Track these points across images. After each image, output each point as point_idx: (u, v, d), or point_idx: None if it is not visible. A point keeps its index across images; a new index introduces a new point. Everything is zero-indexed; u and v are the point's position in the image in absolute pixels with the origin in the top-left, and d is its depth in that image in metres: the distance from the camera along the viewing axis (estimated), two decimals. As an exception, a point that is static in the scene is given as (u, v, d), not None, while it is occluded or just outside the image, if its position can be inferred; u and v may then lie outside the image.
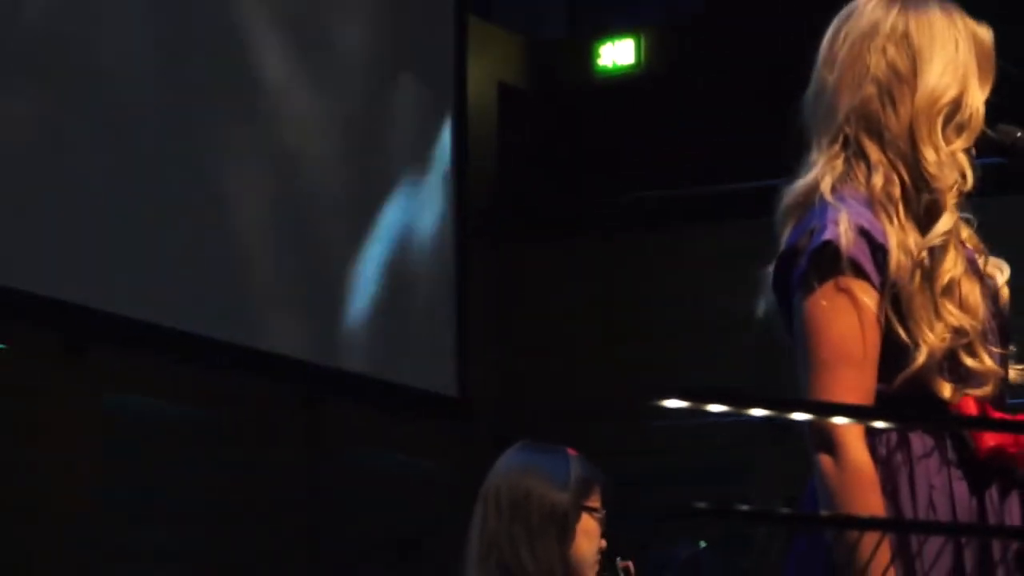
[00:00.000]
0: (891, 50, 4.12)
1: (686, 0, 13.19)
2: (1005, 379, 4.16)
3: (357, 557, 9.31)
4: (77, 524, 9.95)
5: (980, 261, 4.16)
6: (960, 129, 4.06)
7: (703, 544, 7.54)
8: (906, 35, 4.14)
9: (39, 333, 9.86)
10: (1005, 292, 4.22)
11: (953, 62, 4.12)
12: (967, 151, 4.10)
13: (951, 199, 4.03)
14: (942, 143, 4.05)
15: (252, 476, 10.88)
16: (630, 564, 5.58)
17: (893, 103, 4.10)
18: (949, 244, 4.02)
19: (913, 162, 4.05)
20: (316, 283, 11.20)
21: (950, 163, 4.04)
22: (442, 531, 8.56)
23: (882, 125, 4.10)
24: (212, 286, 10.63)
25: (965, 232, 4.17)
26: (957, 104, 4.07)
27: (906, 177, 4.04)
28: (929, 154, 4.05)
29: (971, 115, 4.08)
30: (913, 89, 4.11)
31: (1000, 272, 4.24)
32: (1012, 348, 4.20)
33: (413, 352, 11.62)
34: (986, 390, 4.02)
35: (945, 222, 4.01)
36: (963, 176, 4.04)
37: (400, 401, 11.50)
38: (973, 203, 4.20)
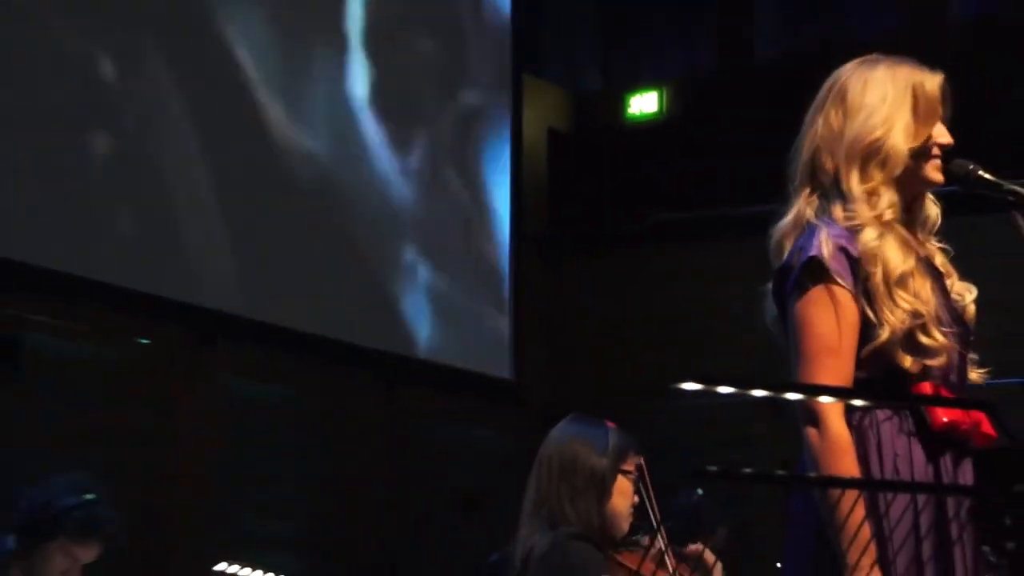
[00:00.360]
0: (831, 112, 4.27)
1: (700, 60, 13.03)
2: (966, 374, 4.29)
3: (431, 511, 9.34)
4: (205, 486, 10.01)
5: (949, 282, 4.30)
6: (883, 165, 4.19)
7: (700, 492, 7.51)
8: (843, 95, 4.29)
9: (175, 330, 9.85)
10: (972, 309, 4.35)
11: (877, 112, 4.22)
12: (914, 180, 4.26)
13: (884, 218, 4.18)
14: (856, 182, 4.19)
15: (344, 447, 10.90)
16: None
17: (831, 154, 4.24)
18: (880, 250, 4.13)
19: (845, 198, 4.19)
20: (404, 290, 11.09)
21: (866, 196, 4.19)
22: (499, 489, 8.58)
23: (824, 172, 4.25)
24: (316, 291, 10.58)
25: (939, 258, 4.31)
26: (877, 146, 4.19)
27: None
28: (849, 192, 4.21)
29: (890, 153, 4.18)
30: (841, 140, 4.23)
31: (968, 292, 4.37)
32: (975, 356, 4.34)
33: (477, 344, 11.57)
34: (939, 361, 4.14)
35: (868, 235, 4.14)
36: (889, 202, 4.19)
37: (465, 383, 11.47)
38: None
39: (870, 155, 4.18)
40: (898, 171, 4.18)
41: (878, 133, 4.18)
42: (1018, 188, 4.13)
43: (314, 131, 10.72)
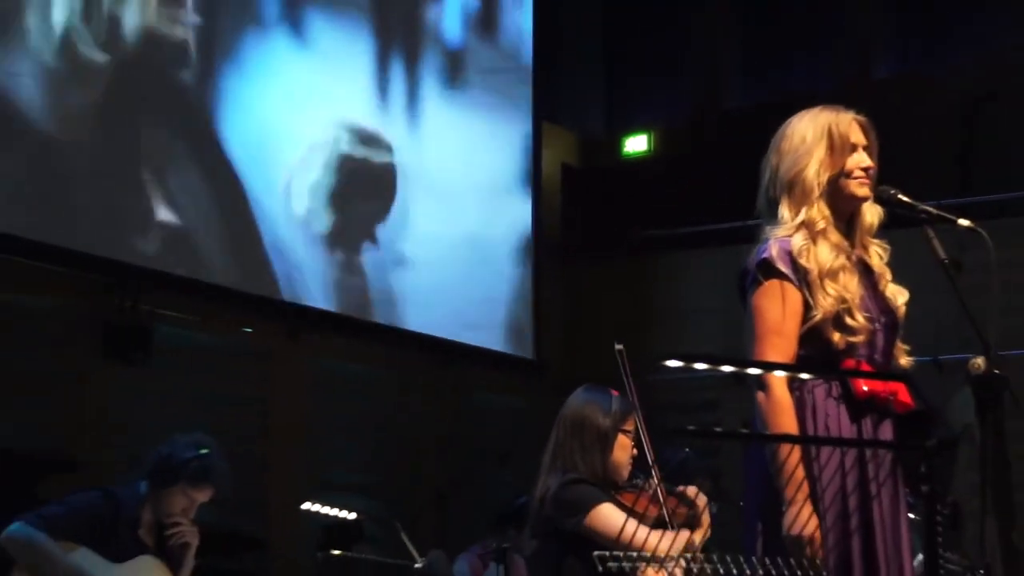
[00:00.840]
0: (772, 157, 4.34)
1: (681, 110, 13.00)
2: (891, 356, 4.32)
3: (473, 463, 9.37)
4: (294, 443, 10.04)
5: (882, 283, 4.33)
6: (803, 191, 4.24)
7: (688, 450, 7.47)
8: (779, 143, 4.37)
9: (270, 321, 9.87)
10: (903, 309, 4.37)
11: (798, 152, 4.27)
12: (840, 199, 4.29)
13: (816, 228, 4.23)
14: (785, 207, 4.27)
15: (404, 412, 10.94)
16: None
17: (773, 188, 4.32)
18: (810, 251, 4.20)
19: (782, 219, 4.27)
20: (451, 289, 11.05)
21: (793, 216, 4.25)
22: (525, 445, 8.58)
23: (771, 202, 4.33)
24: (381, 288, 10.52)
25: (877, 260, 4.35)
26: (799, 179, 4.24)
27: None
28: (781, 215, 4.28)
29: (805, 182, 4.24)
30: (777, 177, 4.32)
31: (901, 295, 4.39)
32: (905, 346, 4.39)
33: (508, 331, 11.54)
34: (861, 339, 4.19)
35: (796, 241, 4.22)
36: (811, 223, 4.24)
37: (498, 362, 11.47)
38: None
39: (793, 185, 4.26)
40: (816, 194, 4.24)
41: (797, 168, 4.26)
42: (929, 208, 4.15)
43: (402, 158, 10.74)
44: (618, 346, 5.50)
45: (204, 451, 6.13)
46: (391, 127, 10.80)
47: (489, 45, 11.82)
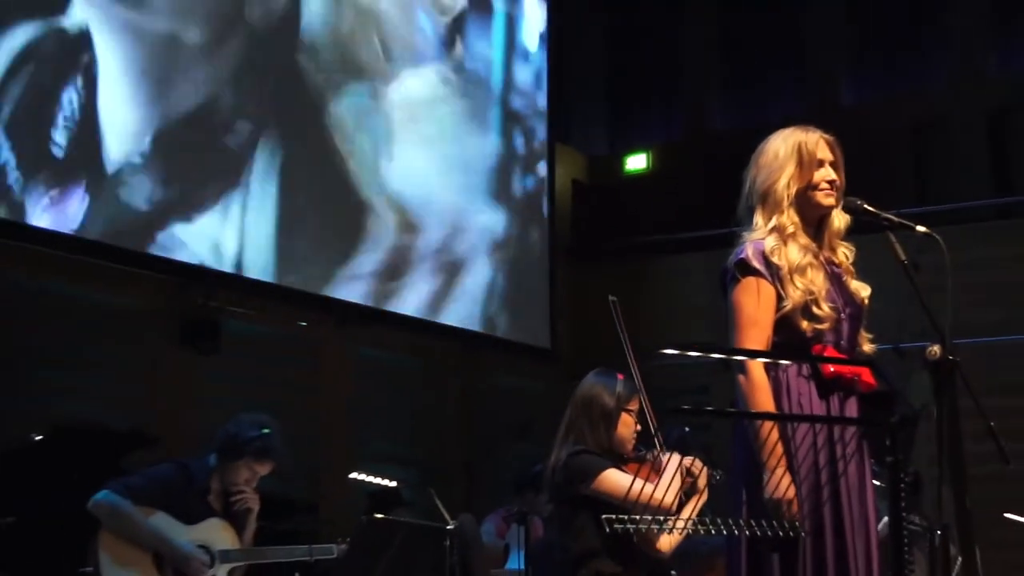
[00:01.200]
0: (751, 171, 4.32)
1: (674, 133, 13.02)
2: (855, 342, 4.30)
3: (496, 436, 9.36)
4: (342, 421, 10.03)
5: (848, 279, 4.31)
6: (775, 201, 4.22)
7: (687, 429, 7.40)
8: (756, 159, 4.34)
9: (322, 315, 9.85)
10: (866, 301, 4.36)
11: (772, 167, 4.26)
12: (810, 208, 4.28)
13: (786, 232, 4.23)
14: (759, 214, 4.25)
15: (437, 393, 10.95)
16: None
17: (751, 197, 4.30)
18: (780, 250, 4.20)
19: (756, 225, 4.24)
20: (480, 287, 11.07)
21: (765, 222, 4.24)
22: (541, 422, 8.55)
23: (749, 211, 4.31)
24: (415, 287, 10.50)
25: (841, 257, 4.32)
26: (772, 190, 4.22)
27: None
28: (756, 222, 4.26)
29: (776, 193, 4.23)
30: (754, 188, 4.30)
31: (863, 289, 4.37)
32: (868, 334, 4.37)
33: (527, 324, 11.51)
34: (827, 326, 4.17)
35: (768, 243, 4.21)
36: (782, 228, 4.23)
37: (519, 350, 11.42)
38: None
39: (767, 195, 4.25)
40: (786, 203, 4.23)
41: (770, 181, 4.25)
42: (891, 216, 4.12)
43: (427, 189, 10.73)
44: (612, 298, 5.48)
45: (266, 431, 6.12)
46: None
47: (516, 87, 11.88)
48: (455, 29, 11.22)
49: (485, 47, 11.58)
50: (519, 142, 11.77)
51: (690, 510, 5.09)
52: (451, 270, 10.80)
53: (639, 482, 4.32)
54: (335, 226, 9.91)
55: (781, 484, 3.95)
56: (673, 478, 4.95)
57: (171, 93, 8.65)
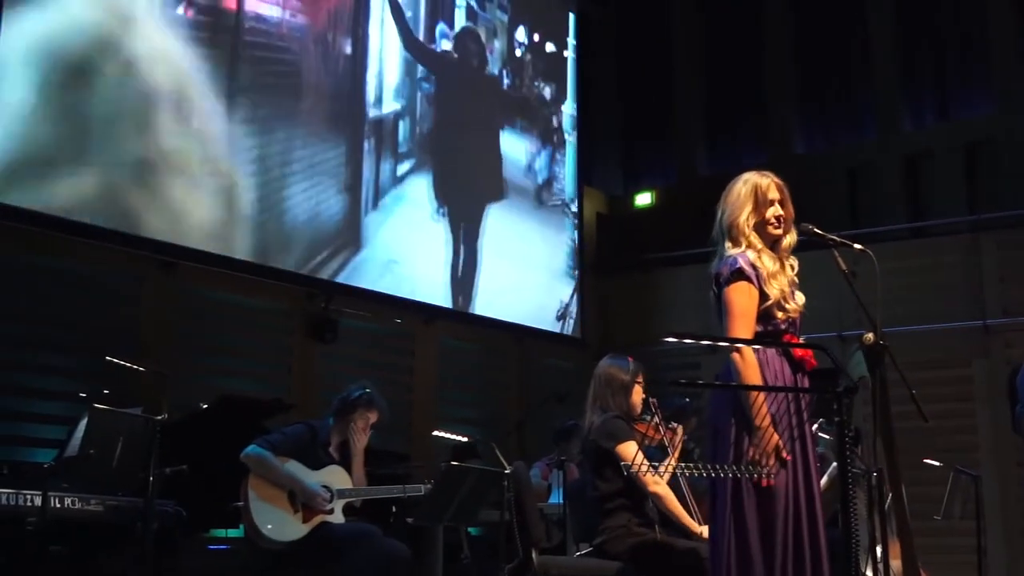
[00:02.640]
0: (721, 206, 4.24)
1: (671, 178, 12.96)
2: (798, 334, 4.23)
3: (540, 401, 9.27)
4: (429, 393, 9.96)
5: (792, 288, 4.24)
6: (740, 234, 4.15)
7: (687, 400, 7.33)
8: (726, 197, 4.27)
9: (413, 314, 9.79)
10: (800, 309, 4.24)
11: (733, 204, 4.19)
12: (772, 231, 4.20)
13: (755, 248, 4.15)
14: (729, 242, 4.16)
15: (496, 373, 10.87)
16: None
17: (719, 227, 4.23)
18: (760, 261, 4.11)
19: (731, 244, 4.16)
20: (532, 292, 10.96)
21: (737, 250, 4.14)
22: (573, 391, 8.46)
23: (721, 235, 4.21)
24: (486, 293, 10.37)
25: (789, 271, 4.26)
26: (734, 224, 4.15)
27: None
28: (728, 247, 4.16)
29: (740, 227, 4.16)
30: (723, 220, 4.22)
31: (801, 298, 4.25)
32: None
33: (563, 320, 11.46)
34: (792, 318, 4.13)
35: (749, 255, 4.12)
36: (747, 248, 4.15)
37: (557, 339, 11.33)
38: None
39: (731, 228, 4.19)
40: (746, 234, 4.17)
41: (734, 216, 4.19)
42: (834, 237, 4.08)
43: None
44: (652, 399, 5.38)
45: (367, 389, 6.13)
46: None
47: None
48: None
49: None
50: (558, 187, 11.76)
51: (671, 460, 5.15)
52: (509, 280, 10.77)
53: (640, 457, 4.45)
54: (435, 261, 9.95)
55: (773, 439, 3.89)
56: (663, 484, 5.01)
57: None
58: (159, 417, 5.31)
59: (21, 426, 6.94)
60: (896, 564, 4.46)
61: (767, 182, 4.22)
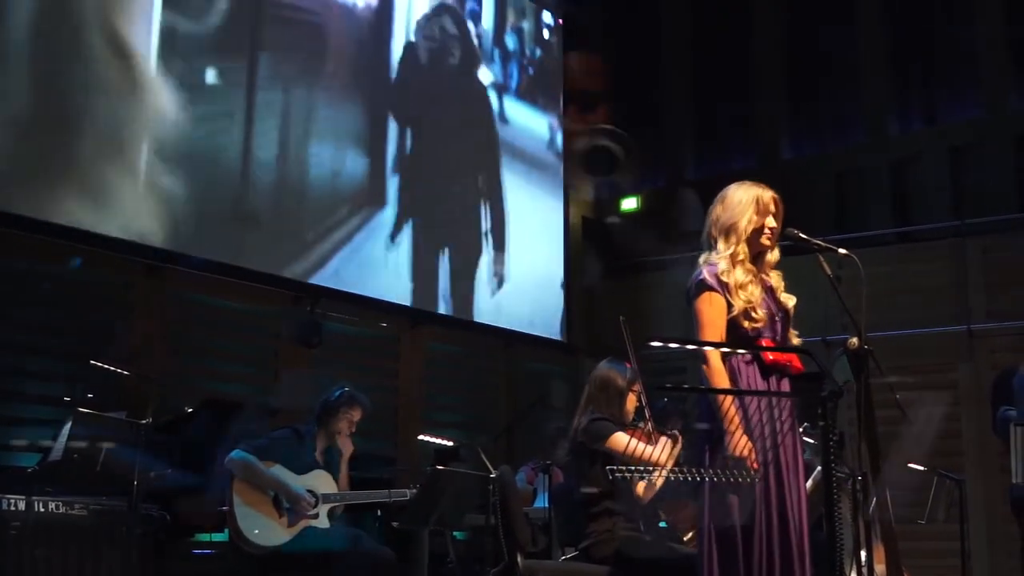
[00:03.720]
0: (717, 207, 4.27)
1: (658, 182, 12.95)
2: (787, 338, 4.26)
3: (528, 405, 9.30)
4: (413, 397, 9.96)
5: (779, 293, 4.27)
6: (736, 237, 4.19)
7: (666, 400, 7.34)
8: (723, 199, 4.30)
9: (398, 317, 9.77)
10: (793, 309, 4.31)
11: (737, 208, 4.22)
12: (758, 239, 4.23)
13: (736, 262, 4.19)
14: (722, 245, 4.20)
15: (484, 377, 10.85)
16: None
17: (714, 229, 4.25)
18: (730, 273, 4.16)
19: (716, 251, 4.21)
20: (518, 299, 10.95)
21: (727, 254, 4.19)
22: (557, 394, 8.48)
23: (712, 239, 4.26)
24: (474, 298, 10.40)
25: (776, 280, 4.29)
26: (734, 226, 4.19)
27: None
28: (718, 250, 4.21)
29: (739, 230, 4.21)
30: (718, 222, 4.25)
31: (791, 300, 4.32)
32: (795, 331, 4.32)
33: (549, 325, 11.43)
34: (762, 326, 4.16)
35: (720, 266, 4.18)
36: (735, 255, 4.19)
37: (544, 343, 11.30)
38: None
39: (730, 229, 4.23)
40: (744, 237, 4.22)
41: (734, 219, 4.23)
42: (819, 242, 4.11)
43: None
44: (622, 318, 5.39)
45: (345, 388, 6.16)
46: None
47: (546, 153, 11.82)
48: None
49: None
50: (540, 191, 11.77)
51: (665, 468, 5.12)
52: (496, 285, 10.74)
53: (635, 441, 4.47)
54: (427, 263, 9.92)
55: (741, 443, 3.90)
56: (663, 449, 4.97)
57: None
58: (143, 421, 5.31)
59: (5, 430, 6.91)
60: (880, 568, 4.48)
61: (768, 195, 4.29)
